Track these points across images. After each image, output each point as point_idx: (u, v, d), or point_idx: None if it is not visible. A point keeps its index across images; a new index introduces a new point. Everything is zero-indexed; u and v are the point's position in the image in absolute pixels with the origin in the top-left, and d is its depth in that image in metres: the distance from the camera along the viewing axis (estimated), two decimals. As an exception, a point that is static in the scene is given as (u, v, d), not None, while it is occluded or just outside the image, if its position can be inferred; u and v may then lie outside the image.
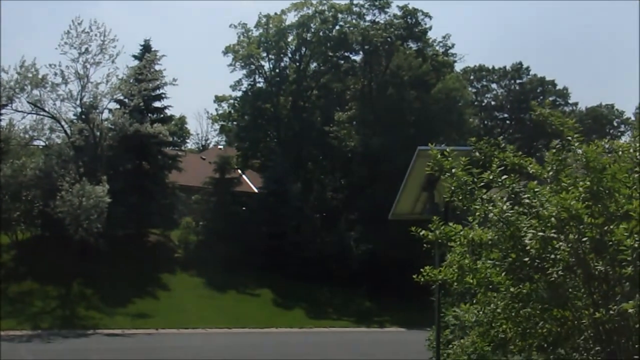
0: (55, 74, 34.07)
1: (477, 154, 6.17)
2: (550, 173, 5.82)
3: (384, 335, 32.71)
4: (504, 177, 5.84)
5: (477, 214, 5.82)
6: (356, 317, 36.67)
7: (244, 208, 43.14)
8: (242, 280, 37.97)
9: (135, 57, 41.17)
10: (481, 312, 6.34)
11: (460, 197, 5.91)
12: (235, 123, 55.77)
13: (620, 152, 5.69)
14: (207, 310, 32.38)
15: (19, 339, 23.53)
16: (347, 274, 41.37)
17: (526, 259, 5.40)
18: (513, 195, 5.75)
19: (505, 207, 5.53)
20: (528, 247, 5.33)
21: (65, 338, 24.75)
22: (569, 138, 5.83)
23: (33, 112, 34.82)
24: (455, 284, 6.22)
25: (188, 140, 77.96)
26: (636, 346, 5.24)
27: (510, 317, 5.91)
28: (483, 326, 6.38)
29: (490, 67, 70.02)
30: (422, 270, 6.43)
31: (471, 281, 6.02)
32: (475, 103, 66.31)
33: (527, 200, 5.54)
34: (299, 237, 41.19)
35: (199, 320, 30.43)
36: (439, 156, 6.10)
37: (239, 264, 38.75)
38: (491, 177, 5.86)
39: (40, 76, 33.58)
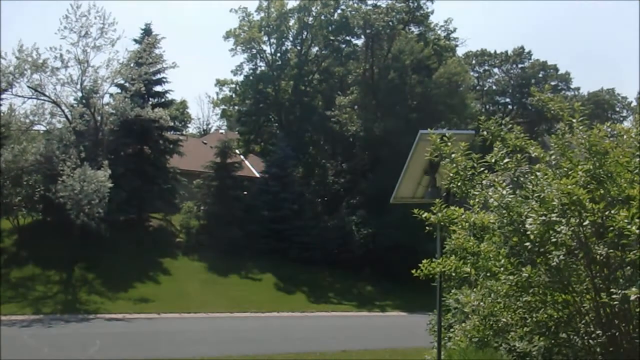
0: (55, 58, 33.91)
1: (485, 133, 6.11)
2: (553, 157, 5.78)
3: (385, 320, 32.80)
4: (506, 160, 5.79)
5: (477, 199, 5.79)
6: (358, 301, 36.77)
7: (245, 192, 43.13)
8: (243, 264, 38.06)
9: (136, 41, 41.01)
10: (482, 303, 6.33)
11: (459, 184, 5.87)
12: (236, 107, 55.68)
13: (624, 136, 5.64)
14: (209, 295, 32.46)
15: (19, 324, 23.60)
16: (349, 258, 41.50)
17: (527, 244, 5.36)
18: (515, 179, 5.72)
19: (505, 192, 5.49)
20: (529, 232, 5.29)
21: (67, 323, 24.81)
22: (573, 121, 5.78)
23: (33, 96, 34.63)
24: (454, 274, 6.21)
25: (189, 125, 78.00)
26: (637, 330, 5.22)
27: (511, 306, 5.89)
28: (484, 314, 6.36)
29: (492, 52, 69.86)
30: (419, 265, 6.41)
31: (468, 270, 6.00)
32: (477, 87, 66.23)
33: (529, 185, 5.49)
34: (300, 222, 41.20)
35: (201, 305, 30.49)
36: (439, 141, 6.06)
37: (241, 249, 38.84)
38: (494, 160, 5.81)
39: (40, 60, 33.40)
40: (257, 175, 47.93)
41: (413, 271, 6.54)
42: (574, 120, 5.78)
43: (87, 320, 25.81)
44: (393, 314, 34.66)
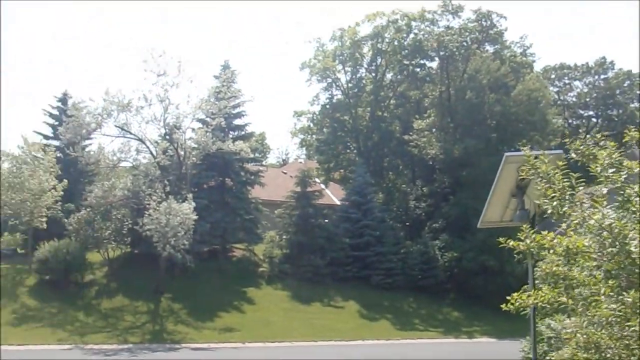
0: (139, 98, 35.20)
1: (574, 155, 5.77)
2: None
3: (474, 346, 31.86)
4: (611, 171, 5.43)
5: (573, 219, 5.48)
6: (444, 327, 35.98)
7: (326, 220, 43.19)
8: (326, 292, 37.98)
9: (216, 77, 42.15)
10: (580, 332, 5.95)
11: (554, 204, 5.57)
12: (314, 136, 56.11)
13: None
14: (293, 323, 32.51)
15: (104, 353, 24.31)
16: (433, 283, 40.84)
17: (631, 267, 5.02)
18: (622, 193, 5.33)
19: (606, 212, 5.16)
20: (634, 255, 4.95)
21: (154, 352, 25.34)
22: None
23: (120, 135, 36.09)
24: (548, 305, 5.89)
25: (269, 155, 79.10)
26: None
27: (613, 334, 5.50)
28: (584, 344, 5.97)
29: (572, 64, 67.81)
30: (509, 297, 6.15)
31: (565, 300, 5.68)
32: (558, 102, 64.26)
33: (637, 206, 5.13)
34: (382, 248, 40.93)
35: (285, 334, 30.55)
36: (533, 160, 5.80)
37: (323, 277, 38.87)
38: (599, 170, 5.45)
39: (126, 101, 34.74)
40: (338, 203, 47.97)
41: (503, 305, 6.26)
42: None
43: (174, 350, 26.29)
44: (482, 340, 33.68)
